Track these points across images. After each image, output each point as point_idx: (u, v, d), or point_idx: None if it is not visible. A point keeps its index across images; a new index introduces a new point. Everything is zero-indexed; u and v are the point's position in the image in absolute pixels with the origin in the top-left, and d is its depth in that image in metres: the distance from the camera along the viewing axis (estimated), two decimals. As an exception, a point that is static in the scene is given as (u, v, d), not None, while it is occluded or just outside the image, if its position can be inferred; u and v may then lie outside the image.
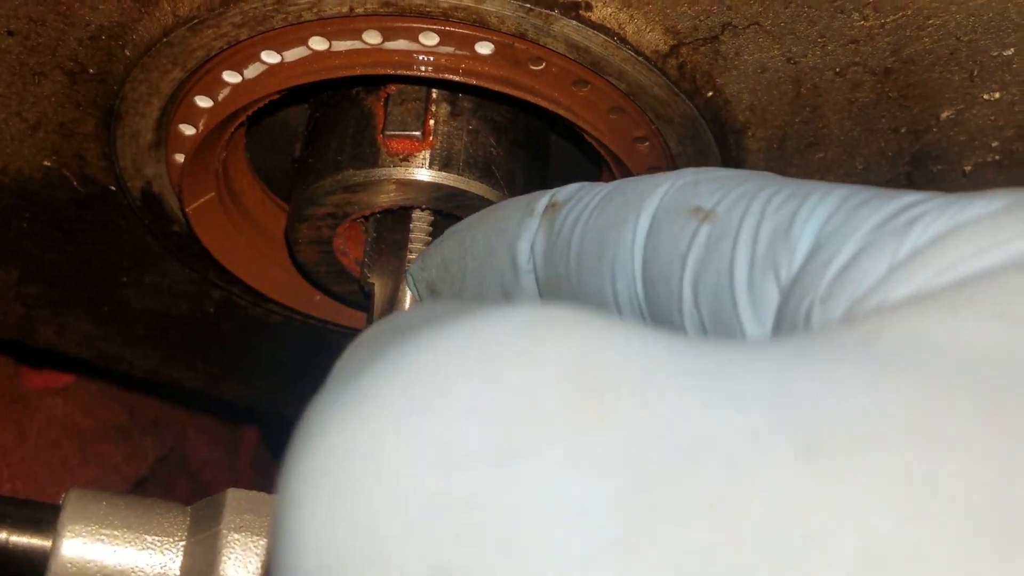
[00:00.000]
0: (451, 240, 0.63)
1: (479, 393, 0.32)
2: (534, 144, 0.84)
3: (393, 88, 0.80)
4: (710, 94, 0.73)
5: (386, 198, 0.79)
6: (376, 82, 0.80)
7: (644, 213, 0.49)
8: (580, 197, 0.54)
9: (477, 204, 0.79)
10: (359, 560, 0.30)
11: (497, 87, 0.73)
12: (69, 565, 0.63)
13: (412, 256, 0.80)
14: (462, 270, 0.61)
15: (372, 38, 0.71)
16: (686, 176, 0.50)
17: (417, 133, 0.78)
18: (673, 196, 0.49)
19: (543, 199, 0.56)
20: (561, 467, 0.29)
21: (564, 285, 0.53)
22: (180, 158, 0.80)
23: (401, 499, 0.30)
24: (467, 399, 0.31)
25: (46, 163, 0.84)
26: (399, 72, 0.72)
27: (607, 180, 0.87)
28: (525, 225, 0.56)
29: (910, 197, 0.41)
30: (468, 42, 0.71)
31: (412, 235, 0.81)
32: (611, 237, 0.50)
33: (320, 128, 0.82)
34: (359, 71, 0.73)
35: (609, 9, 0.68)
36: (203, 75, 0.74)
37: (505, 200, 0.61)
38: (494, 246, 0.58)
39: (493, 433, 0.30)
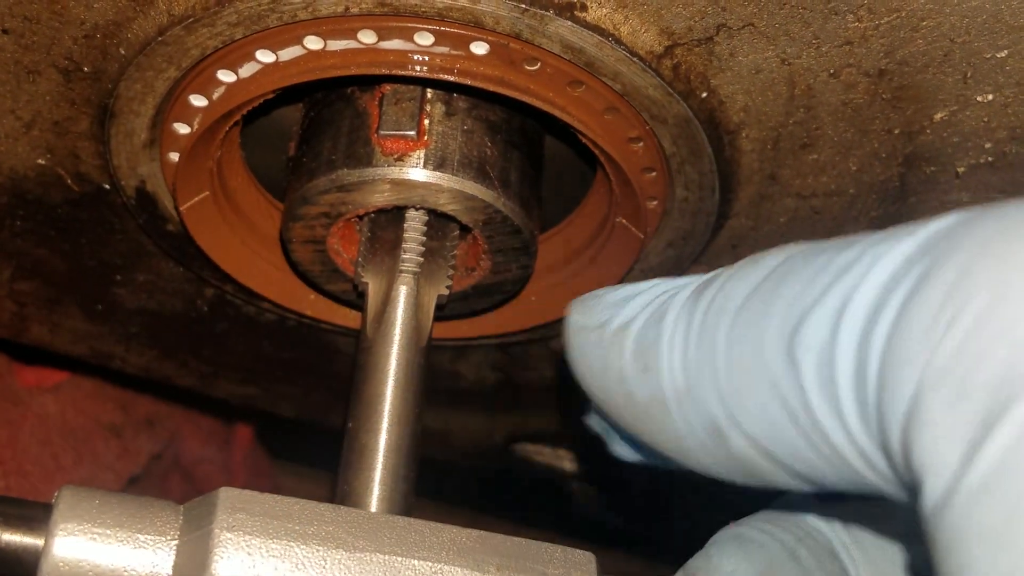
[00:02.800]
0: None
1: None
2: (529, 144, 0.84)
3: (388, 88, 0.80)
4: (704, 95, 0.73)
5: (380, 198, 0.79)
6: (371, 82, 0.80)
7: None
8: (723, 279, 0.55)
9: (471, 204, 0.79)
10: None
11: (492, 87, 0.73)
12: (61, 564, 0.63)
13: (406, 256, 0.80)
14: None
15: (367, 38, 0.71)
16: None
17: (412, 133, 0.78)
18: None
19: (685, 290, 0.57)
20: None
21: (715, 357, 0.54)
22: (174, 157, 0.80)
23: None
24: None
25: (40, 161, 0.84)
26: (394, 72, 0.72)
27: (601, 181, 0.87)
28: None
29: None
30: (463, 42, 0.71)
31: (406, 235, 0.81)
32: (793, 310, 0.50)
33: (314, 127, 0.82)
34: (354, 71, 0.73)
35: (604, 10, 0.68)
36: (198, 74, 0.74)
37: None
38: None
39: None
